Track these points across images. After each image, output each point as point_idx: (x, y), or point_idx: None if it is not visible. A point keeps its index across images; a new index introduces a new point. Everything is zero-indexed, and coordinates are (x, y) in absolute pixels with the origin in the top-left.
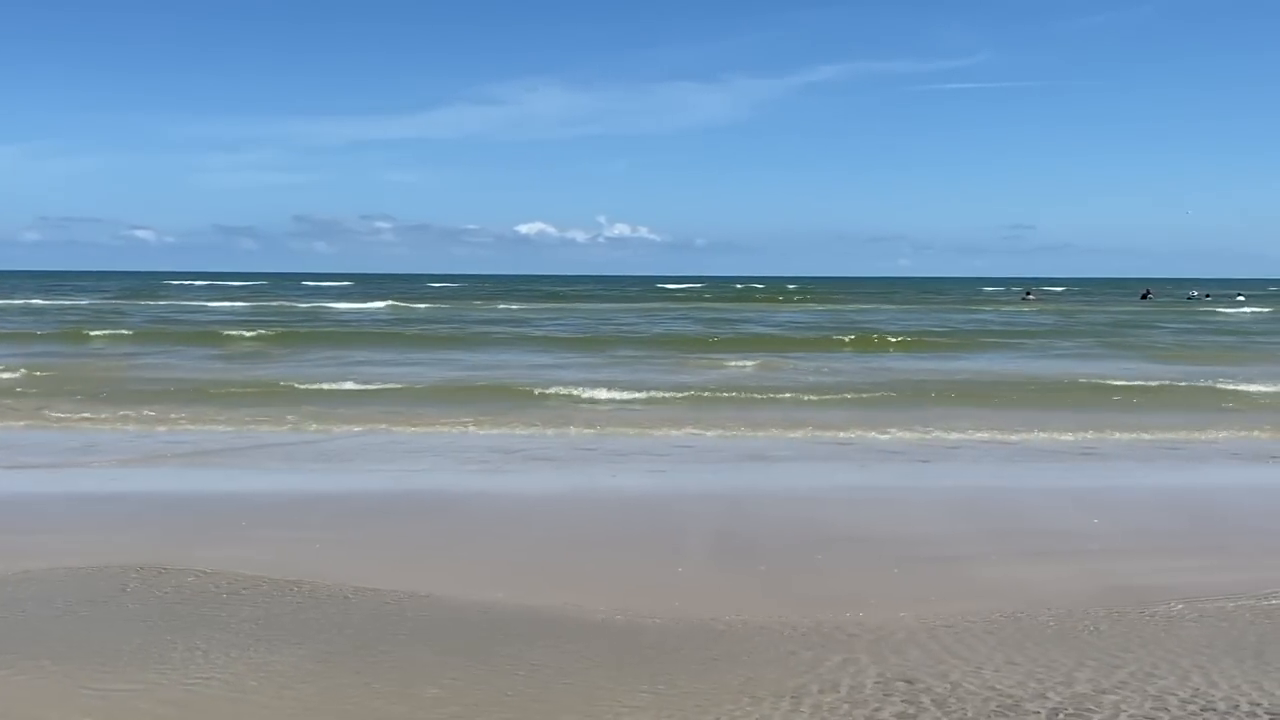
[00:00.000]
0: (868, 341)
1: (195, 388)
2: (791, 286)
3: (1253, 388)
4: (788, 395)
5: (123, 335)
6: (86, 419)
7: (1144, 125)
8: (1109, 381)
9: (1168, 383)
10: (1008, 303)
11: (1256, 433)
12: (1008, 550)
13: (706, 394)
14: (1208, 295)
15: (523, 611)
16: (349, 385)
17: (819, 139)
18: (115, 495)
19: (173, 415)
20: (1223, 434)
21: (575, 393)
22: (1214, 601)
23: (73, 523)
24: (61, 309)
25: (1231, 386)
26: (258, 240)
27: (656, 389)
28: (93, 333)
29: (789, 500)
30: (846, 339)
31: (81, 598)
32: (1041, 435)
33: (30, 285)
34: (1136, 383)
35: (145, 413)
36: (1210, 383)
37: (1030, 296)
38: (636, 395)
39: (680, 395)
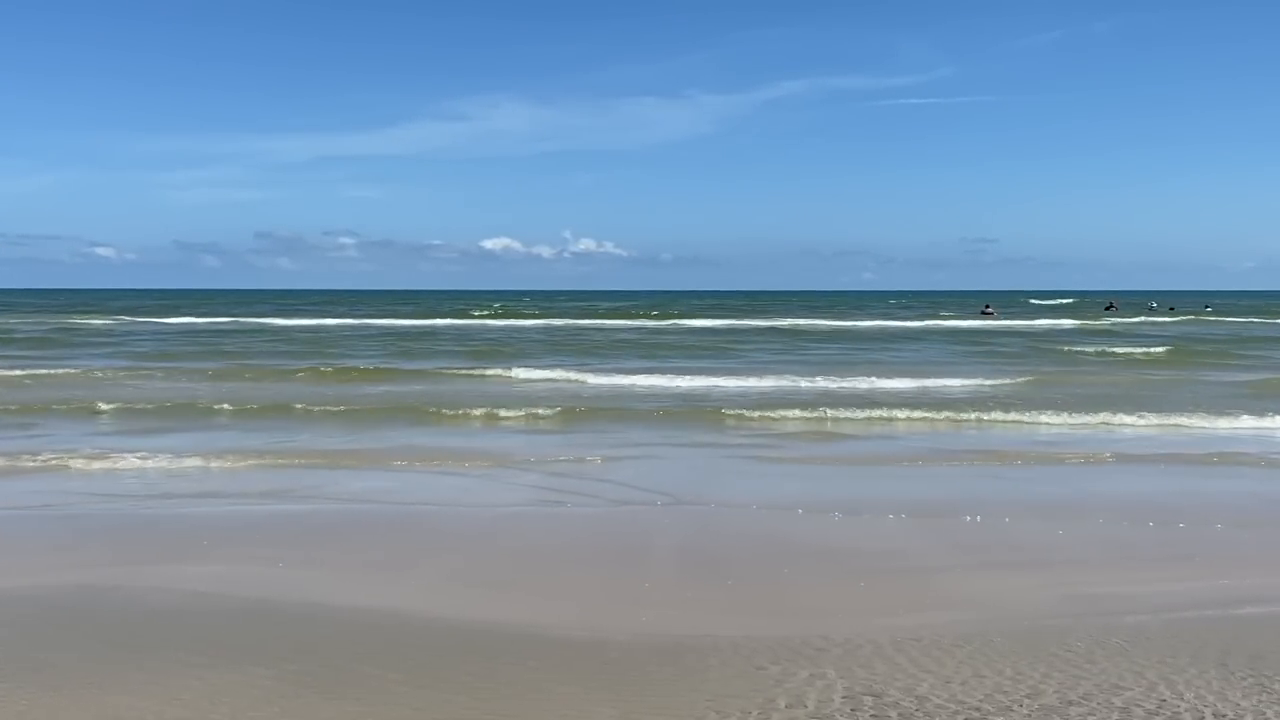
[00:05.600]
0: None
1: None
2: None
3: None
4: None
5: None
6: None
7: (1101, 139)
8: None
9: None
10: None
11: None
12: (974, 562)
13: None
14: (1171, 308)
15: (489, 628)
16: None
17: (782, 154)
18: (75, 514)
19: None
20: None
21: None
22: (1179, 612)
23: (29, 541)
24: None
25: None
26: (220, 257)
27: None
28: None
29: (755, 513)
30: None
31: (36, 618)
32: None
33: None
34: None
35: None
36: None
37: (989, 311)
38: None
39: None
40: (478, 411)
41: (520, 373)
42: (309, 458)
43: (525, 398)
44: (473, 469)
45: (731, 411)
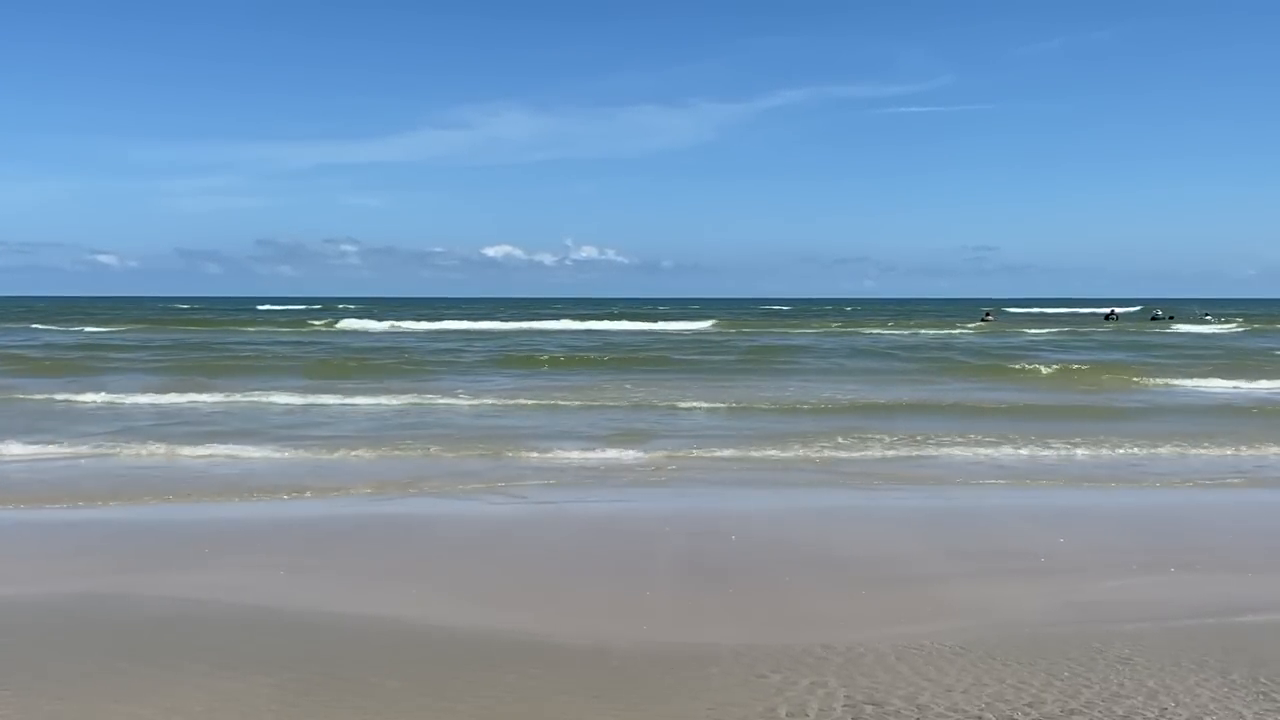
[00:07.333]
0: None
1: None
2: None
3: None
4: None
5: None
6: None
7: (1102, 147)
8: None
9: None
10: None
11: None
12: (975, 570)
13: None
14: (1171, 316)
15: (490, 636)
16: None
17: (783, 162)
18: (75, 522)
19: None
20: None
21: None
22: (1180, 619)
23: (32, 550)
24: None
25: None
26: (221, 264)
27: None
28: None
29: (757, 522)
30: None
31: (41, 626)
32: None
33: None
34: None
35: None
36: None
37: (989, 318)
38: None
39: None
40: None
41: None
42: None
43: None
44: None
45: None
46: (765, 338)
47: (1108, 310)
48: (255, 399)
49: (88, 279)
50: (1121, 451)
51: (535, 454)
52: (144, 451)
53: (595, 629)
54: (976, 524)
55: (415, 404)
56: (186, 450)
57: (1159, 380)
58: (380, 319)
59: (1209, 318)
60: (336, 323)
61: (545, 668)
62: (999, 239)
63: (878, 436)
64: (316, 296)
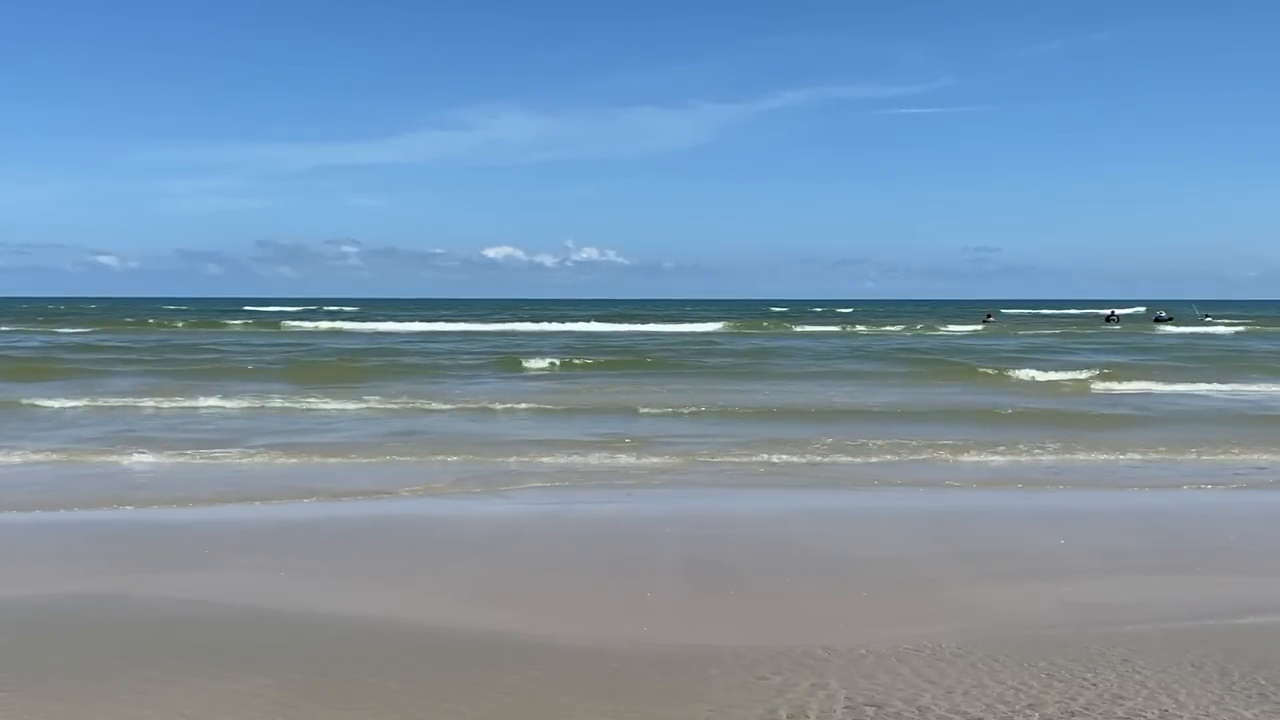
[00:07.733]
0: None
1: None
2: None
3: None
4: None
5: None
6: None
7: (1103, 149)
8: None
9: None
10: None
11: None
12: (976, 571)
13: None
14: (1170, 318)
15: (490, 638)
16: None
17: (783, 163)
18: (74, 524)
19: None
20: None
21: None
22: (1180, 621)
23: (33, 550)
24: None
25: None
26: (222, 265)
27: None
28: None
29: (757, 523)
30: None
31: (40, 626)
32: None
33: None
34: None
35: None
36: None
37: (990, 319)
38: None
39: None
40: None
41: None
42: None
43: None
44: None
45: None
46: (765, 340)
47: (1108, 312)
48: (249, 403)
49: (88, 280)
50: (1121, 454)
51: (534, 456)
52: (137, 455)
53: (596, 630)
54: (977, 526)
55: (412, 406)
56: (180, 453)
57: (1158, 383)
58: (378, 320)
59: (1208, 319)
60: (331, 324)
61: (545, 669)
62: (999, 240)
63: (877, 439)
64: (317, 298)
